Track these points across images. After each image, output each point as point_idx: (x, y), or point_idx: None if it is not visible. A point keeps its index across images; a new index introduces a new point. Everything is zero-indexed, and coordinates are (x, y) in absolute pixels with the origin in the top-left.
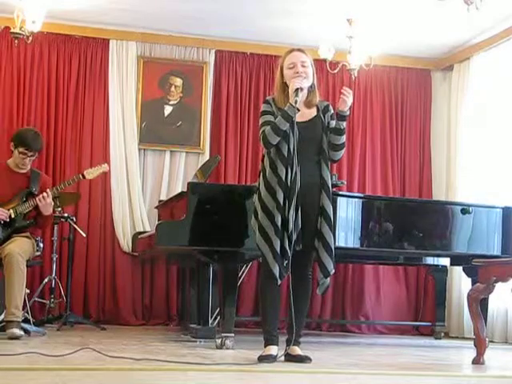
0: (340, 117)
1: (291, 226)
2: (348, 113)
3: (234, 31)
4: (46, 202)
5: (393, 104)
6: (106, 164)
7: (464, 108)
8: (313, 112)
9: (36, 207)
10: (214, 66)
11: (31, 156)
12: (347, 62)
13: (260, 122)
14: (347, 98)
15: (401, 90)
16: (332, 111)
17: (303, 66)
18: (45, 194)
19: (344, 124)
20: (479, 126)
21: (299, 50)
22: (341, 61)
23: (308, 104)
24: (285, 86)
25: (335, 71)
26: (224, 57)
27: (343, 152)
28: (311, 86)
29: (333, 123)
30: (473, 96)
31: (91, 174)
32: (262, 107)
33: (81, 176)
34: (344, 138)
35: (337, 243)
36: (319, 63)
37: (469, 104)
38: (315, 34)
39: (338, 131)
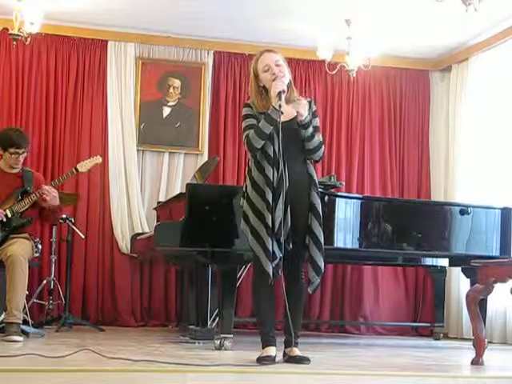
0: (302, 125)
1: (277, 225)
2: (307, 120)
3: (232, 32)
4: (53, 196)
5: (391, 105)
6: (98, 156)
7: (462, 109)
8: (294, 110)
9: (33, 205)
10: (213, 67)
11: (23, 153)
12: (346, 63)
13: (243, 126)
14: (299, 108)
15: (399, 90)
16: (314, 108)
17: (277, 65)
18: (45, 188)
19: (308, 131)
20: (477, 127)
21: (268, 50)
22: (339, 62)
23: (287, 100)
24: (262, 90)
25: (334, 72)
26: (222, 58)
27: (322, 151)
28: (289, 84)
29: (315, 121)
30: (471, 97)
31: (84, 166)
32: (244, 111)
33: (74, 170)
34: (316, 142)
35: (335, 244)
36: (318, 64)
37: (467, 105)
38: (314, 35)
39: (307, 138)
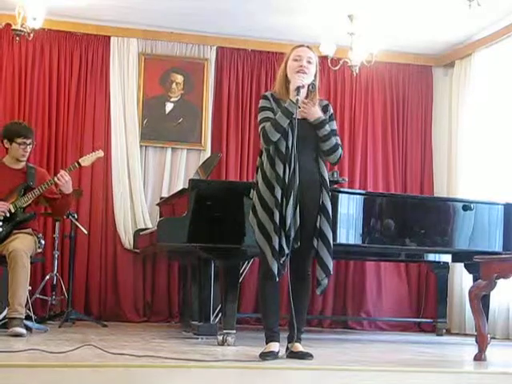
0: (315, 126)
1: (289, 223)
2: (319, 120)
3: (235, 28)
4: (66, 180)
5: (394, 100)
6: (100, 150)
7: (465, 104)
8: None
9: (36, 200)
10: (215, 63)
11: (30, 144)
12: (348, 59)
13: (259, 118)
14: (306, 112)
15: (402, 86)
16: (331, 111)
17: (308, 62)
18: (61, 173)
19: (322, 131)
20: (480, 122)
21: (308, 46)
22: (342, 57)
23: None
24: (286, 79)
25: (336, 68)
26: (225, 53)
27: (339, 154)
28: (313, 87)
29: (331, 124)
30: (474, 92)
31: (86, 160)
32: (261, 103)
33: (76, 164)
34: (331, 143)
35: (338, 240)
36: (320, 60)
37: (470, 100)
38: (316, 31)
39: (321, 138)
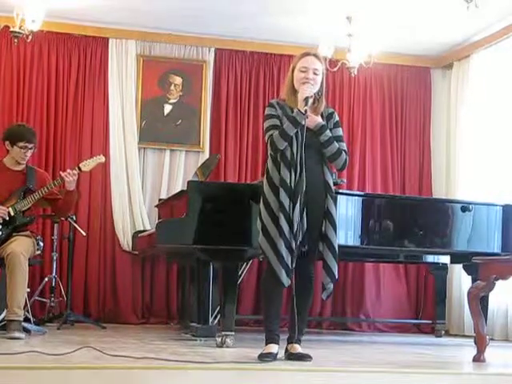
0: (316, 132)
1: (296, 226)
2: (319, 126)
3: (233, 29)
4: (73, 177)
5: (392, 102)
6: (101, 155)
7: (464, 106)
8: (318, 118)
9: (36, 203)
10: (214, 65)
11: (31, 149)
12: (347, 60)
13: (265, 126)
14: (307, 119)
15: (400, 87)
16: (336, 118)
17: (314, 74)
18: (68, 170)
19: (323, 137)
20: (479, 124)
21: (315, 55)
22: (340, 59)
23: (314, 111)
24: (294, 88)
25: (335, 69)
26: (224, 55)
27: (343, 160)
28: (318, 94)
29: (336, 131)
30: (472, 94)
31: (87, 165)
32: (267, 110)
33: (77, 169)
34: (333, 148)
35: (337, 241)
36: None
37: (468, 101)
38: (315, 32)
39: (322, 144)
